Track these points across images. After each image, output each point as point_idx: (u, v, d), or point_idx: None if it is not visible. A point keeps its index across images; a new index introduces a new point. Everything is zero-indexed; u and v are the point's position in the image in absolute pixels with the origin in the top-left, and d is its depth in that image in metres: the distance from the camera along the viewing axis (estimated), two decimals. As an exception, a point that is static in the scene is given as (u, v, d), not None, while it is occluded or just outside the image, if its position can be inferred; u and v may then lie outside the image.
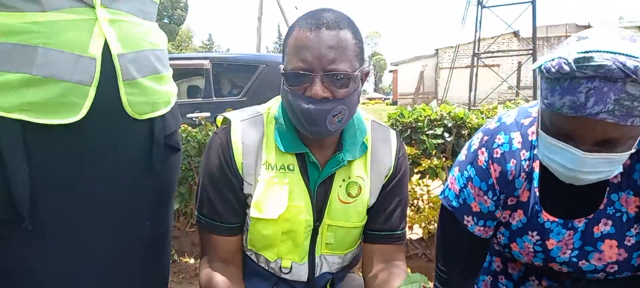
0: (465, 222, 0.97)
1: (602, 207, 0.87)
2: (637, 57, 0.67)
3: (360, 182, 1.01)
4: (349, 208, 1.01)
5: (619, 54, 0.67)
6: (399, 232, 1.06)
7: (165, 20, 29.96)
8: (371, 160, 1.03)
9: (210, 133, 2.34)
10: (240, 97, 4.38)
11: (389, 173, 1.04)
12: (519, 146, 0.91)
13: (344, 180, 1.00)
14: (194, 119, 3.93)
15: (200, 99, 4.56)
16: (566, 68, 0.70)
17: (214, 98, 4.47)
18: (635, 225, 0.85)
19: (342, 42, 0.87)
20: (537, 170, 0.91)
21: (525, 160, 0.91)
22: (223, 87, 4.78)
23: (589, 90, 0.69)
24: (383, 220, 1.04)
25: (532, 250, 0.93)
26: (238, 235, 1.03)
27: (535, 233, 0.92)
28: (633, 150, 0.77)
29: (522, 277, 1.06)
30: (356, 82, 0.91)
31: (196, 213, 1.04)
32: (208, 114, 4.11)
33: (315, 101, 0.87)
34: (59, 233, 0.80)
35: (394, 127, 2.34)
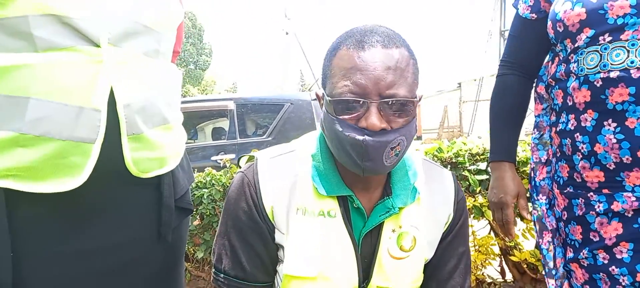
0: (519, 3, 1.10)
1: None
2: None
3: (414, 232, 0.83)
4: (403, 265, 0.83)
5: None
6: None
7: (191, 66, 30.79)
8: (426, 206, 0.86)
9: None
10: (265, 137, 4.30)
11: (449, 221, 0.87)
12: None
13: (394, 231, 0.83)
14: (218, 161, 3.85)
15: (224, 141, 4.50)
16: None
17: (239, 139, 4.40)
18: None
19: (401, 62, 0.72)
20: None
21: None
22: (248, 128, 4.72)
23: None
24: (445, 279, 0.86)
25: None
26: None
27: None
28: None
29: (596, 125, 0.95)
30: (415, 108, 0.76)
31: (213, 270, 0.86)
32: (233, 156, 4.03)
33: (372, 132, 0.71)
34: None
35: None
